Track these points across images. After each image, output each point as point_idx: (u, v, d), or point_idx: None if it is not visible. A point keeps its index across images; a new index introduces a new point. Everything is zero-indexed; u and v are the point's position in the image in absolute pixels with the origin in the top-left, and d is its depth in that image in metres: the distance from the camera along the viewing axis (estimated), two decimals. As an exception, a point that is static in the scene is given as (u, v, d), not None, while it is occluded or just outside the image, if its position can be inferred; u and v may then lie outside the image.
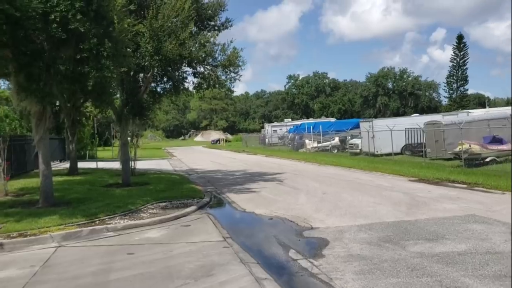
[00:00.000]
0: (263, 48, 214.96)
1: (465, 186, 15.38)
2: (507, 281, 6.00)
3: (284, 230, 9.91)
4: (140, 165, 24.65)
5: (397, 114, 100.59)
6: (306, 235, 9.29)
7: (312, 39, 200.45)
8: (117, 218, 11.08)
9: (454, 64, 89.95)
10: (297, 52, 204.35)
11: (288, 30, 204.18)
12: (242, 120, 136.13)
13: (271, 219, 11.23)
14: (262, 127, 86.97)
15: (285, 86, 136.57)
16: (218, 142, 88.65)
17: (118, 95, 18.63)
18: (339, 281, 6.29)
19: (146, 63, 14.86)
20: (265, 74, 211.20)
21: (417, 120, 29.20)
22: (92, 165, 27.99)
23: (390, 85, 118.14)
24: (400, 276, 6.37)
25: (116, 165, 22.10)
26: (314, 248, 8.17)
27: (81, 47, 10.84)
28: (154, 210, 12.29)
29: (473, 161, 20.55)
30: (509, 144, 21.06)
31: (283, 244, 8.63)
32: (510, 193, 12.94)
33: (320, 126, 44.30)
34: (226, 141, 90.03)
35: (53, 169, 14.71)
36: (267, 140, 61.42)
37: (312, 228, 9.90)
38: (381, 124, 29.89)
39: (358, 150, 32.99)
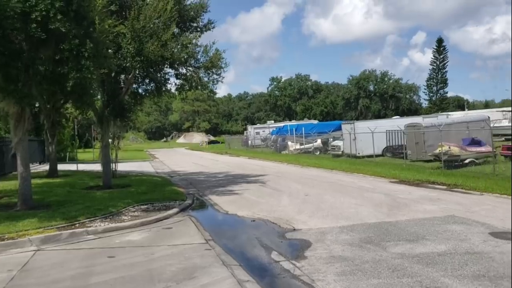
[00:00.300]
0: (246, 50, 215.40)
1: (444, 187, 15.61)
2: (485, 281, 6.10)
3: (266, 232, 9.91)
4: (122, 167, 24.42)
5: (378, 116, 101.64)
6: (289, 237, 9.31)
7: (294, 41, 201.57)
8: (98, 221, 10.94)
9: (434, 67, 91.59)
10: (279, 54, 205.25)
11: (270, 32, 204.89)
12: (225, 122, 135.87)
13: (253, 221, 11.22)
14: (245, 129, 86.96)
15: (267, 88, 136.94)
16: (203, 144, 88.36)
17: (99, 96, 18.42)
18: (321, 283, 6.31)
19: (128, 64, 14.73)
20: (247, 76, 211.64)
21: (398, 122, 29.55)
22: (72, 167, 27.61)
23: (371, 88, 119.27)
24: (381, 277, 6.42)
25: (97, 167, 21.84)
26: (297, 250, 8.18)
27: (61, 47, 10.69)
28: (136, 212, 12.17)
29: (453, 163, 20.88)
30: (487, 146, 21.48)
31: (266, 246, 8.63)
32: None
33: (303, 128, 44.50)
34: (213, 142, 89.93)
35: (32, 171, 14.49)
36: (250, 142, 61.43)
37: (294, 229, 9.92)
38: (363, 126, 30.13)
39: (340, 152, 33.20)
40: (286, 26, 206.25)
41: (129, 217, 11.55)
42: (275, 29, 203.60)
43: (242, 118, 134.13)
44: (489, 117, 25.75)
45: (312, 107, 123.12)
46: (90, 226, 10.36)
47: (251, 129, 69.33)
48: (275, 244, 8.76)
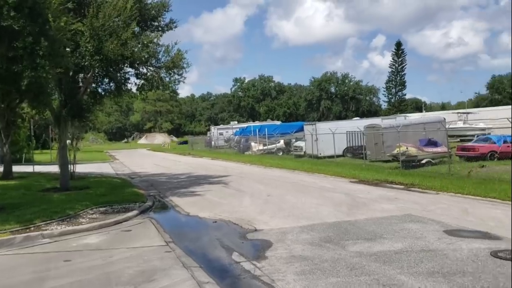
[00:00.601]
0: (209, 50, 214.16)
1: (402, 187, 16.03)
2: (439, 277, 6.29)
3: (228, 233, 9.89)
4: (80, 168, 23.80)
5: (339, 117, 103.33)
6: (250, 238, 9.32)
7: (257, 42, 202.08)
8: (54, 224, 10.62)
9: (393, 70, 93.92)
10: (243, 55, 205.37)
11: (233, 33, 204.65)
12: (188, 122, 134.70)
13: (215, 222, 11.18)
14: (208, 130, 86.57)
15: (231, 88, 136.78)
16: (165, 145, 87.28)
17: (56, 96, 17.87)
18: (281, 282, 6.35)
19: (86, 63, 14.36)
20: (211, 76, 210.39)
21: (358, 124, 30.16)
22: (28, 169, 26.70)
23: (332, 90, 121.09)
24: (340, 275, 6.53)
25: (55, 168, 21.17)
26: (257, 250, 8.21)
27: (15, 45, 10.32)
28: (94, 215, 11.89)
29: (410, 163, 21.48)
30: (443, 147, 22.25)
31: (227, 247, 8.61)
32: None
33: (266, 129, 44.79)
34: (184, 142, 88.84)
35: (-16, 173, 13.89)
36: (213, 142, 61.23)
37: (256, 230, 9.95)
38: (324, 127, 30.57)
39: (302, 153, 33.57)
40: (249, 27, 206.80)
41: (87, 219, 11.28)
42: (238, 30, 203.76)
43: (206, 119, 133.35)
44: (445, 119, 26.64)
45: (275, 108, 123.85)
46: (46, 230, 10.04)
47: (214, 130, 69.17)
48: (236, 245, 8.76)
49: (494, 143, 23.28)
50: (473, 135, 34.05)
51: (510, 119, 16.00)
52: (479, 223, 9.61)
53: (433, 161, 22.01)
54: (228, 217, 11.49)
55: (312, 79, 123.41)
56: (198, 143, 68.04)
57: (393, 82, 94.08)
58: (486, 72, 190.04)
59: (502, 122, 22.81)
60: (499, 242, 8.03)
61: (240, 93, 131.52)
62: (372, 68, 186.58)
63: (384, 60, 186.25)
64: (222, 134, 63.60)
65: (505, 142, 22.29)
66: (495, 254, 7.24)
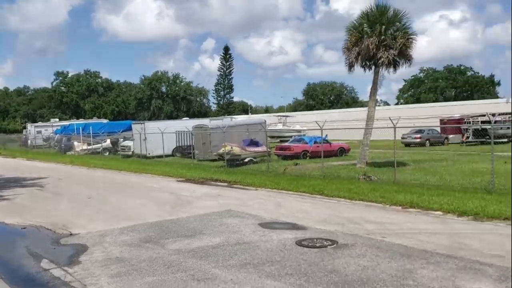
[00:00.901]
0: (27, 40, 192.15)
1: (226, 184, 16.77)
2: (250, 268, 6.68)
3: (38, 239, 9.09)
4: None
5: (171, 117, 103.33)
6: (63, 243, 8.69)
7: (83, 35, 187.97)
8: None
9: (222, 73, 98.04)
10: (66, 48, 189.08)
11: (56, 23, 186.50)
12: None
13: (24, 228, 10.12)
14: (25, 128, 78.14)
15: (52, 83, 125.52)
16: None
17: None
18: (93, 287, 6.05)
19: None
20: (29, 68, 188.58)
21: (187, 124, 30.57)
22: None
23: (164, 89, 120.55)
24: (156, 274, 6.50)
25: None
26: (71, 256, 7.68)
27: None
28: None
29: (234, 162, 22.62)
30: (264, 146, 23.98)
31: (35, 254, 7.87)
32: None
33: (91, 127, 42.35)
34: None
35: None
36: (29, 141, 55.52)
37: (71, 234, 9.32)
38: (153, 126, 30.19)
39: (131, 153, 32.68)
40: (74, 18, 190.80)
41: None
42: (61, 20, 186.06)
43: (22, 115, 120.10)
44: (265, 121, 28.78)
45: (103, 105, 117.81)
46: None
47: (31, 128, 62.65)
48: (47, 251, 8.07)
49: (307, 143, 26.00)
50: (290, 136, 37.53)
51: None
52: (289, 215, 10.56)
53: (254, 160, 23.54)
54: (40, 222, 10.50)
55: (143, 77, 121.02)
56: (12, 142, 60.96)
57: (222, 85, 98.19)
58: (303, 79, 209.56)
59: (314, 125, 25.56)
60: (305, 231, 8.92)
61: (62, 88, 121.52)
62: (203, 70, 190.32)
63: (214, 64, 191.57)
64: (40, 133, 57.97)
65: (315, 142, 25.02)
66: (299, 243, 8.01)
